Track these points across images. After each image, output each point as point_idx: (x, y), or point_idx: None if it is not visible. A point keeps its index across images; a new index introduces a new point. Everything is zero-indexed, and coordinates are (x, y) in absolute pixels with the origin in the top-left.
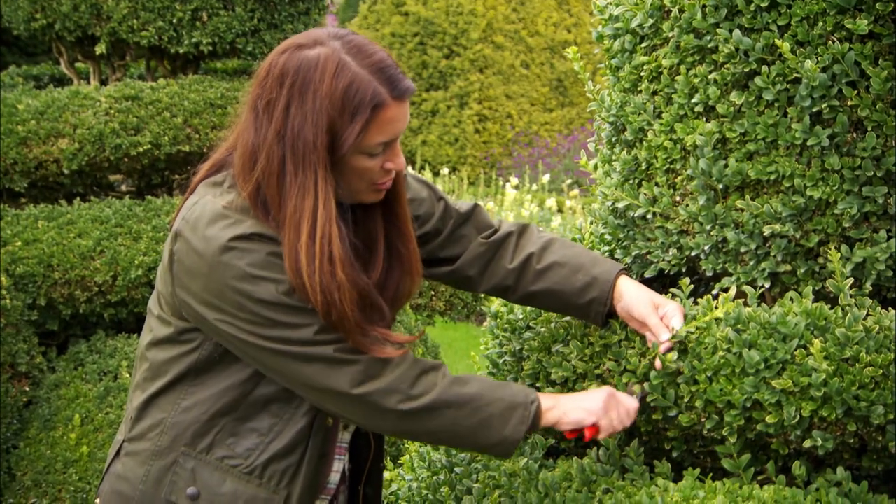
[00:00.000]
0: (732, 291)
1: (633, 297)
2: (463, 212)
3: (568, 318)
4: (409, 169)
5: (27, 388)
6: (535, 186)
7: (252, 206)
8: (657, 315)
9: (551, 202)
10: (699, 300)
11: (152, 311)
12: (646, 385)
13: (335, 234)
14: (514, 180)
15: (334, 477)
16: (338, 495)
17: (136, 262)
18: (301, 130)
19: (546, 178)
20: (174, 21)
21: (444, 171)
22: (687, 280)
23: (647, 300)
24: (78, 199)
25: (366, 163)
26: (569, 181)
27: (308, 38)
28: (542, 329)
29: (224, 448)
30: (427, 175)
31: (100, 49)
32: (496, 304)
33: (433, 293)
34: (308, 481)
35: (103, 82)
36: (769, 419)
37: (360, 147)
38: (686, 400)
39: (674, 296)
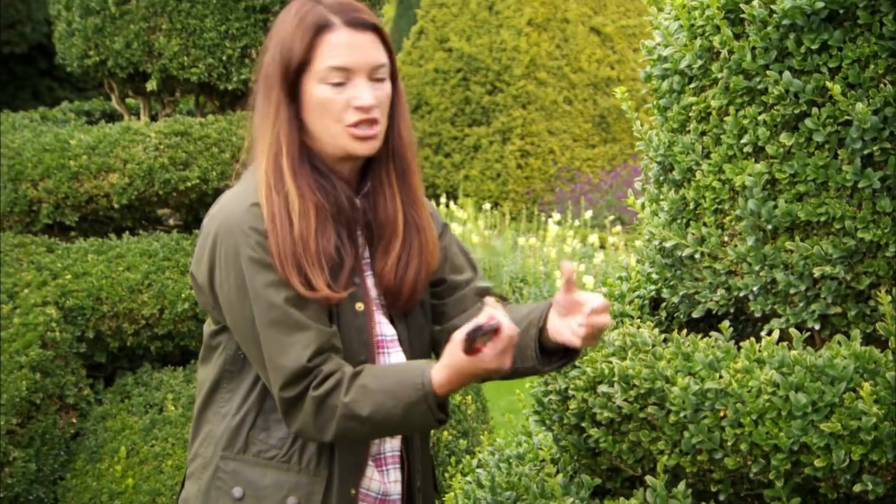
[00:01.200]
0: (775, 335)
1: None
2: (479, 288)
3: (612, 359)
4: (455, 235)
5: (74, 420)
6: (577, 222)
7: (249, 174)
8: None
9: (594, 238)
10: (742, 343)
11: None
12: None
13: (286, 149)
14: (557, 216)
15: (388, 446)
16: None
17: (183, 295)
18: (267, 63)
19: (588, 214)
20: (224, 58)
21: (487, 206)
22: (727, 323)
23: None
24: (127, 232)
25: (328, 94)
26: (611, 217)
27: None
28: (588, 368)
29: (258, 443)
30: (469, 210)
31: (150, 86)
32: None
33: None
34: (346, 460)
35: (153, 118)
36: (818, 463)
37: (315, 73)
38: (731, 443)
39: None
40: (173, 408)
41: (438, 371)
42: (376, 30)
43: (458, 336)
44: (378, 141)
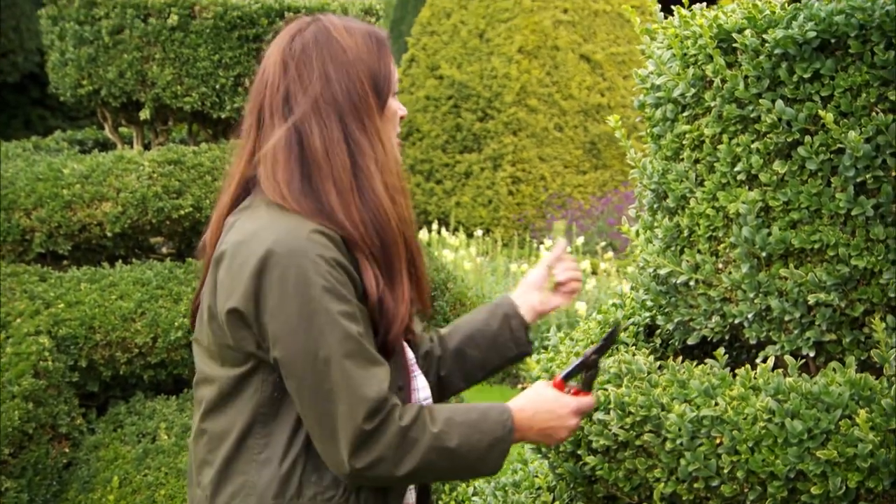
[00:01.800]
0: (771, 362)
1: (524, 283)
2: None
3: (608, 386)
4: None
5: (67, 450)
6: (568, 248)
7: (299, 204)
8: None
9: (585, 264)
10: (737, 370)
11: (199, 383)
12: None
13: (402, 174)
14: (548, 242)
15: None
16: None
17: (176, 323)
18: (350, 86)
19: (580, 240)
20: (217, 87)
21: (478, 232)
22: (721, 350)
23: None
24: (120, 261)
25: (397, 105)
26: (603, 243)
27: (296, 25)
28: None
29: (312, 486)
30: (461, 237)
31: (144, 114)
32: (536, 368)
33: None
34: (397, 495)
35: (146, 146)
36: (814, 490)
37: (393, 84)
38: (727, 471)
39: (708, 363)
40: (166, 437)
41: (515, 404)
42: None
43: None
44: None
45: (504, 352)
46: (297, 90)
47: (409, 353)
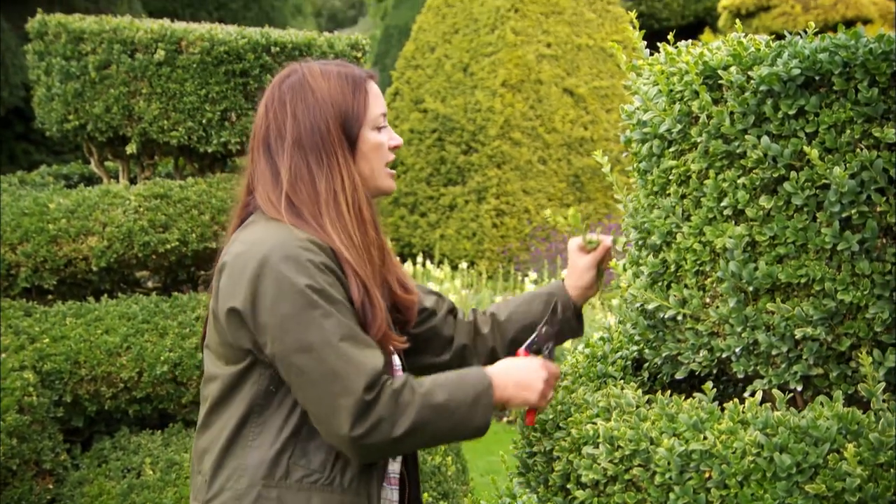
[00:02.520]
0: (758, 396)
1: (571, 273)
2: (451, 304)
3: (597, 420)
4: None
5: (51, 486)
6: (553, 281)
7: (291, 219)
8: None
9: None
10: (726, 404)
11: (206, 382)
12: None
13: (363, 201)
14: (533, 275)
15: (394, 467)
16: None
17: (162, 358)
18: (314, 125)
19: (564, 272)
20: (203, 121)
21: (463, 265)
22: (710, 384)
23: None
24: (105, 295)
25: (379, 138)
26: None
27: (282, 74)
28: (573, 430)
29: (300, 469)
30: (446, 269)
31: (130, 149)
32: None
33: None
34: (379, 480)
35: (132, 180)
36: None
37: (370, 120)
38: None
39: (700, 390)
40: (151, 472)
41: (493, 374)
42: None
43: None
44: None
45: (560, 340)
46: (274, 130)
47: (395, 360)
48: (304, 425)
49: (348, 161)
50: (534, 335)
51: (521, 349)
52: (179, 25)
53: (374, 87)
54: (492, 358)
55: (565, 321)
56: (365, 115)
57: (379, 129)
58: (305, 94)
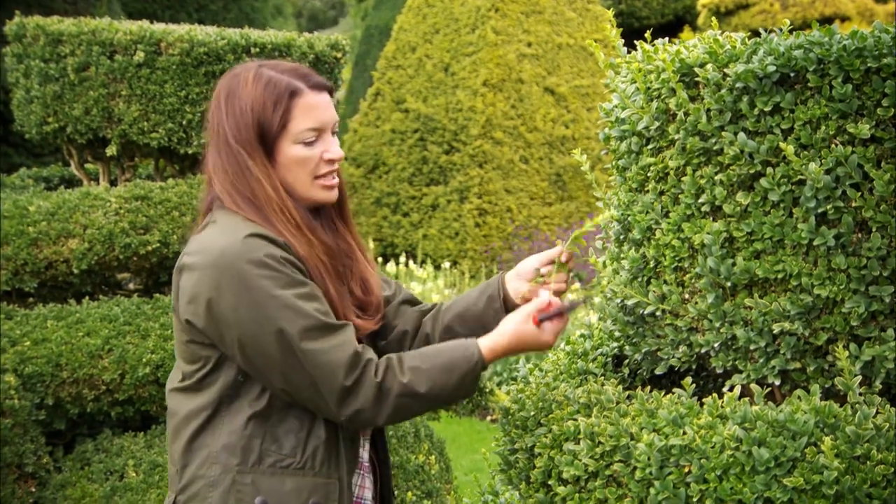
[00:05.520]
0: (737, 390)
1: (516, 268)
2: (407, 295)
3: (577, 416)
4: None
5: (33, 489)
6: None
7: (247, 212)
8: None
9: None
10: (705, 399)
11: (173, 377)
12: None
13: (290, 207)
14: None
15: (364, 455)
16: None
17: (144, 359)
18: (238, 128)
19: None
20: (183, 123)
21: (446, 264)
22: (689, 380)
23: (528, 260)
24: (87, 297)
25: (304, 152)
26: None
27: (236, 69)
28: (554, 426)
29: (272, 454)
30: (428, 269)
31: (110, 151)
32: (506, 400)
33: None
34: (349, 462)
35: (112, 182)
36: None
37: (291, 135)
38: (696, 499)
39: (680, 386)
40: (134, 474)
41: (489, 339)
42: (330, 89)
43: (529, 309)
44: (337, 187)
45: (488, 331)
46: (214, 126)
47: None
48: (274, 412)
49: (267, 168)
50: (555, 310)
51: (536, 317)
52: (159, 27)
53: (306, 101)
54: (425, 343)
55: (491, 310)
56: (284, 129)
57: (307, 143)
58: (233, 99)
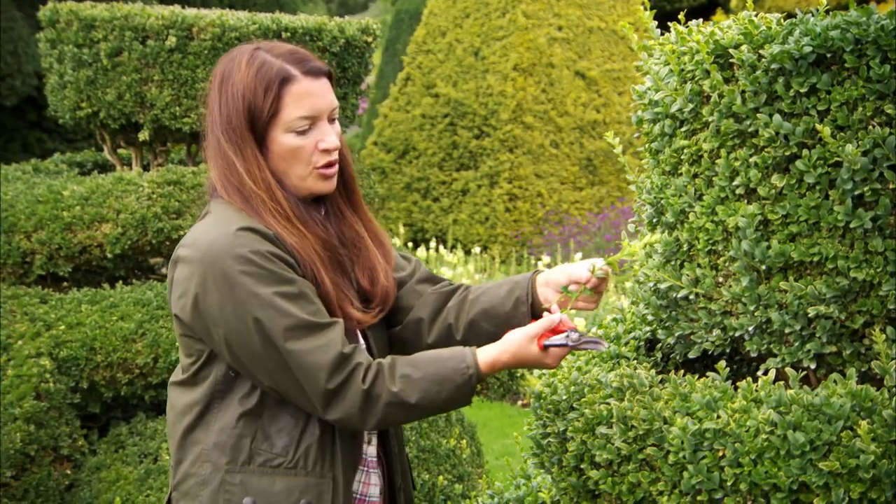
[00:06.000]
0: (772, 374)
1: (548, 274)
2: (426, 274)
3: (610, 400)
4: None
5: (69, 472)
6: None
7: (239, 203)
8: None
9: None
10: (739, 382)
11: (176, 370)
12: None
13: (281, 198)
14: (546, 259)
15: (370, 451)
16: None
17: (177, 343)
18: (228, 115)
19: (578, 256)
20: None
21: (476, 249)
22: (723, 363)
23: (562, 269)
24: (120, 282)
25: (296, 141)
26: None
27: (232, 52)
28: (587, 410)
29: (263, 453)
30: (459, 254)
31: (143, 136)
32: (538, 384)
33: None
34: (346, 461)
35: (145, 167)
36: (817, 502)
37: (282, 123)
38: (730, 483)
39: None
40: (167, 457)
41: (489, 354)
42: (329, 74)
43: (536, 330)
44: (336, 177)
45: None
46: (208, 115)
47: (361, 341)
48: (265, 409)
49: (258, 157)
50: (563, 340)
51: (541, 342)
52: (190, 12)
53: (298, 88)
54: (447, 334)
55: (517, 313)
56: (275, 117)
57: (299, 131)
58: (227, 83)
